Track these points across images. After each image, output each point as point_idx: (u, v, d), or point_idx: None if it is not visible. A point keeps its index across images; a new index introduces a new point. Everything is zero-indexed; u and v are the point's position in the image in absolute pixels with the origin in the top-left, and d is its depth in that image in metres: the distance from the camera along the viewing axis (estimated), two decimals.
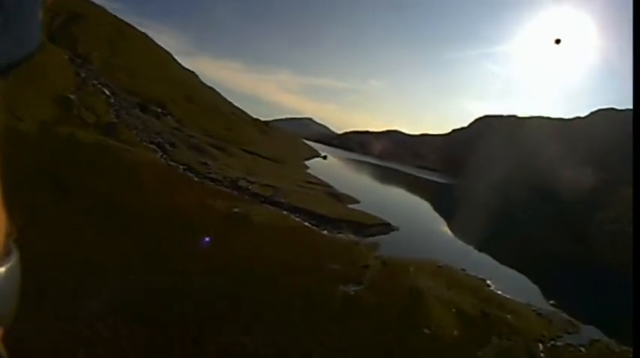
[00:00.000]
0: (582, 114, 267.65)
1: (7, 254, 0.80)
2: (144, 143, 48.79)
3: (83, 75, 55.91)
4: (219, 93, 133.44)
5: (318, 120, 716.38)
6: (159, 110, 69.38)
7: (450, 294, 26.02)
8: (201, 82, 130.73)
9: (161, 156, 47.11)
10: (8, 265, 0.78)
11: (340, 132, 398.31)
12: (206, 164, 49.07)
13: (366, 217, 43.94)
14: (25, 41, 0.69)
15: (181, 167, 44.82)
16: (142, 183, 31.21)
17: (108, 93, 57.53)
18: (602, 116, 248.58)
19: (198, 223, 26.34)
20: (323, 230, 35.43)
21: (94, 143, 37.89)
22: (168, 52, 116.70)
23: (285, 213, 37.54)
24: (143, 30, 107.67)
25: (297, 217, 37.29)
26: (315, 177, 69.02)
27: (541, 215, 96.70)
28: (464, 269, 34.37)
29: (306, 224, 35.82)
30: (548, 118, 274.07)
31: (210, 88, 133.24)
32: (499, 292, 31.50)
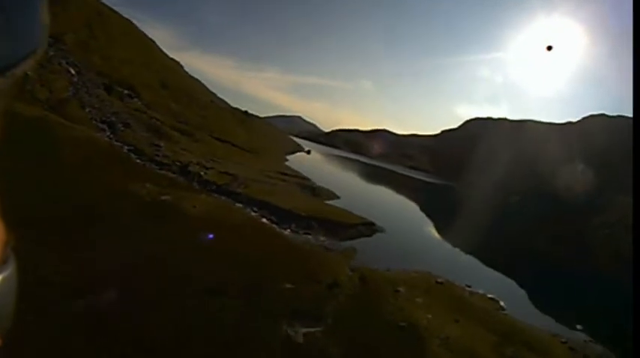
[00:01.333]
0: (574, 119, 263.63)
1: (4, 262, 0.77)
2: (93, 121, 41.24)
3: (51, 53, 48.95)
4: (201, 83, 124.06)
5: (306, 118, 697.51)
6: (125, 92, 61.59)
7: (460, 331, 17.09)
8: (185, 72, 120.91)
9: (107, 135, 39.06)
10: (5, 273, 0.76)
11: (328, 130, 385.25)
12: (158, 146, 40.36)
13: (345, 215, 35.14)
14: (26, 41, 0.66)
15: (126, 147, 36.64)
16: (63, 160, 23.28)
17: (73, 72, 50.38)
18: (594, 121, 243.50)
19: (103, 210, 17.50)
20: (285, 229, 26.53)
21: (32, 118, 30.51)
22: (152, 40, 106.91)
23: (238, 205, 28.58)
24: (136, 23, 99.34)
25: (254, 212, 28.36)
26: (291, 169, 60.27)
27: (532, 218, 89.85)
28: (469, 286, 25.82)
29: (264, 220, 26.86)
30: (540, 122, 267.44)
31: (194, 78, 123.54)
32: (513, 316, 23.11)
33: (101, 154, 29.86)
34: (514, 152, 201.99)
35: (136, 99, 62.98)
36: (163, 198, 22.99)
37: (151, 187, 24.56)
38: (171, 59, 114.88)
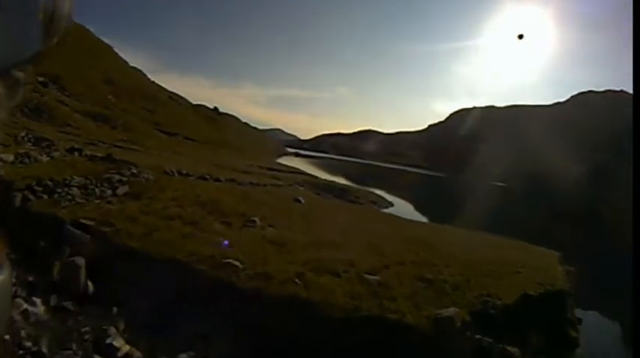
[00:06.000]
0: (562, 99, 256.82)
1: None
2: None
3: None
4: (161, 86, 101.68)
5: (287, 130, 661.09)
6: (41, 80, 44.37)
7: None
8: (145, 76, 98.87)
9: None
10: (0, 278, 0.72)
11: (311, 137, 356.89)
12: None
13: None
14: (25, 42, 0.61)
15: None
16: None
17: None
18: (583, 99, 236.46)
19: None
20: None
21: None
22: (109, 46, 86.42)
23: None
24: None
25: None
26: (285, 166, 41.02)
27: (540, 204, 75.95)
28: None
29: None
30: (528, 106, 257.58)
31: (155, 83, 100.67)
32: None
33: None
34: (506, 138, 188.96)
35: (54, 89, 45.39)
36: None
37: None
38: (132, 67, 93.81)
